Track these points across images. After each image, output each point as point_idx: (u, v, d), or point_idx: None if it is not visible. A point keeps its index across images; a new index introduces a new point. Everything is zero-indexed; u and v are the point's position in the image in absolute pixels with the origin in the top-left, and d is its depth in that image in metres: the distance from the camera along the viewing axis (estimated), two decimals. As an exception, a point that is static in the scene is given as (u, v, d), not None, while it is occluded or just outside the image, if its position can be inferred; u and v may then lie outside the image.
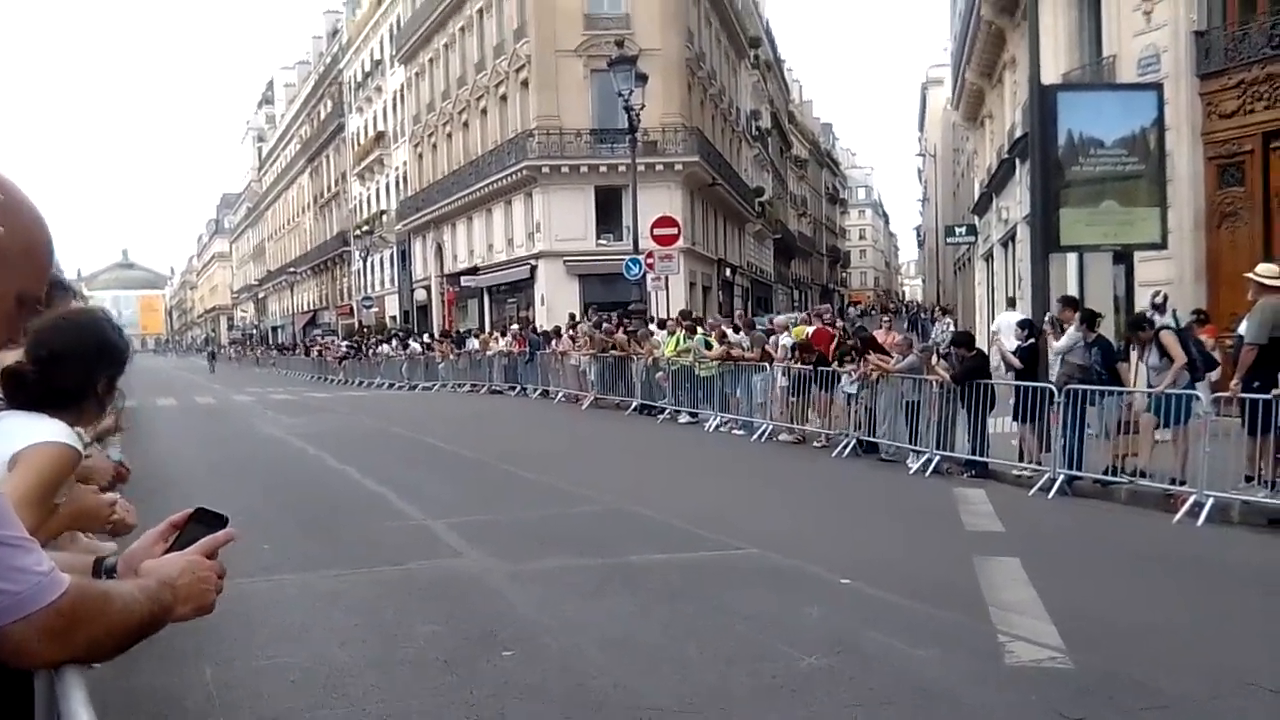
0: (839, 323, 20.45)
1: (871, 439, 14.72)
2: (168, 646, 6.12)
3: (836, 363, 15.77)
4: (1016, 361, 13.40)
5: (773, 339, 18.53)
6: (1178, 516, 9.99)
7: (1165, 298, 15.69)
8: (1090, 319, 12.70)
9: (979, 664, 5.89)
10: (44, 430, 2.49)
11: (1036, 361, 13.04)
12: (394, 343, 41.29)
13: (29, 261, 1.65)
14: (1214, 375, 12.38)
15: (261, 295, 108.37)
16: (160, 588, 1.77)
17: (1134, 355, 12.14)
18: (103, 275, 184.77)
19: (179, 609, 1.80)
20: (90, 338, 2.65)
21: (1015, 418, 12.63)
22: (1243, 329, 10.76)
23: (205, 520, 1.93)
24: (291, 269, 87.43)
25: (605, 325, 25.56)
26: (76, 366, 2.59)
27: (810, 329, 18.31)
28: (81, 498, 2.81)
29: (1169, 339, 11.36)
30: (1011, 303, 25.33)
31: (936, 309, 42.50)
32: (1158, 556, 8.95)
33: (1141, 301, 17.21)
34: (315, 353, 51.45)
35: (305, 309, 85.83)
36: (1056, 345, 12.71)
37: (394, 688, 5.61)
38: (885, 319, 23.60)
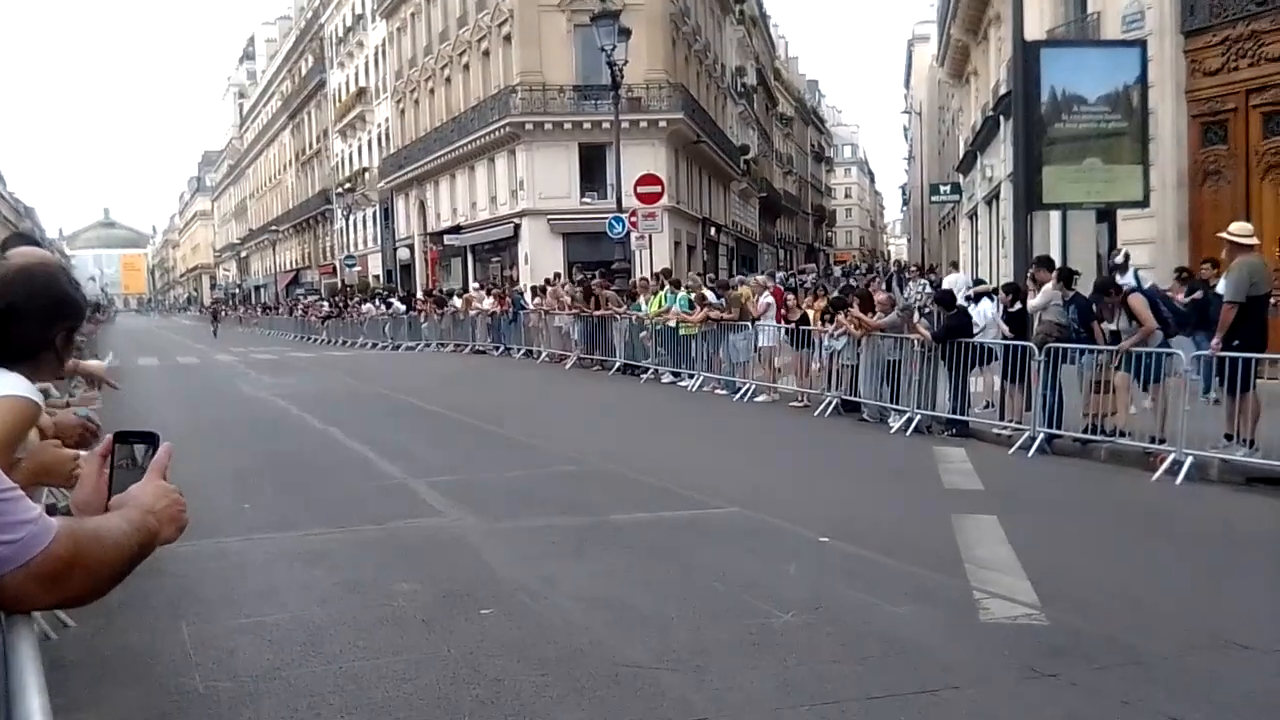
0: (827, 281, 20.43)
1: (852, 398, 14.74)
2: (145, 605, 6.13)
3: (820, 321, 15.77)
4: (1006, 329, 13.31)
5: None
6: (1156, 475, 10.05)
7: (1126, 256, 15.36)
8: (1067, 277, 12.70)
9: (954, 620, 5.93)
10: (1, 384, 2.46)
11: (1025, 324, 12.99)
12: (376, 302, 41.14)
13: None
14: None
15: (244, 254, 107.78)
16: (143, 515, 1.81)
17: (1101, 323, 12.04)
18: (84, 234, 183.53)
19: (164, 531, 1.85)
20: (46, 290, 2.60)
21: (1004, 377, 12.62)
22: (1220, 288, 10.76)
23: (132, 441, 1.95)
24: (274, 227, 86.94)
25: (595, 281, 25.37)
26: (33, 319, 2.53)
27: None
28: (43, 451, 2.78)
29: (1137, 303, 11.29)
30: (955, 264, 25.43)
31: (912, 268, 42.12)
32: (1135, 515, 9.01)
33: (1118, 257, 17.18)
34: (298, 312, 51.24)
35: (288, 268, 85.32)
36: (1031, 304, 12.71)
37: (372, 646, 5.62)
38: (870, 277, 23.60)
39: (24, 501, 1.57)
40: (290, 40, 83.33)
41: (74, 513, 1.92)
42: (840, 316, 14.96)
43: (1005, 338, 13.03)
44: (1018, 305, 13.29)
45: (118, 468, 1.92)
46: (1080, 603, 6.20)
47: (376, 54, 60.49)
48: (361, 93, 63.31)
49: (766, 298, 18.39)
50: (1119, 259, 15.08)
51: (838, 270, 59.09)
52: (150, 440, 1.96)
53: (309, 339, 44.21)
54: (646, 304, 21.67)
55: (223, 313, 66.40)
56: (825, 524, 8.09)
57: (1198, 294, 13.71)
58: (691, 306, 19.45)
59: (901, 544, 7.53)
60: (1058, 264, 14.42)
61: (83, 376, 6.26)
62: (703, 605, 6.20)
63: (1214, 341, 10.53)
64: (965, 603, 6.20)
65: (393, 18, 55.73)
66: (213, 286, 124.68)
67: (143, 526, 1.79)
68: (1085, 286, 13.41)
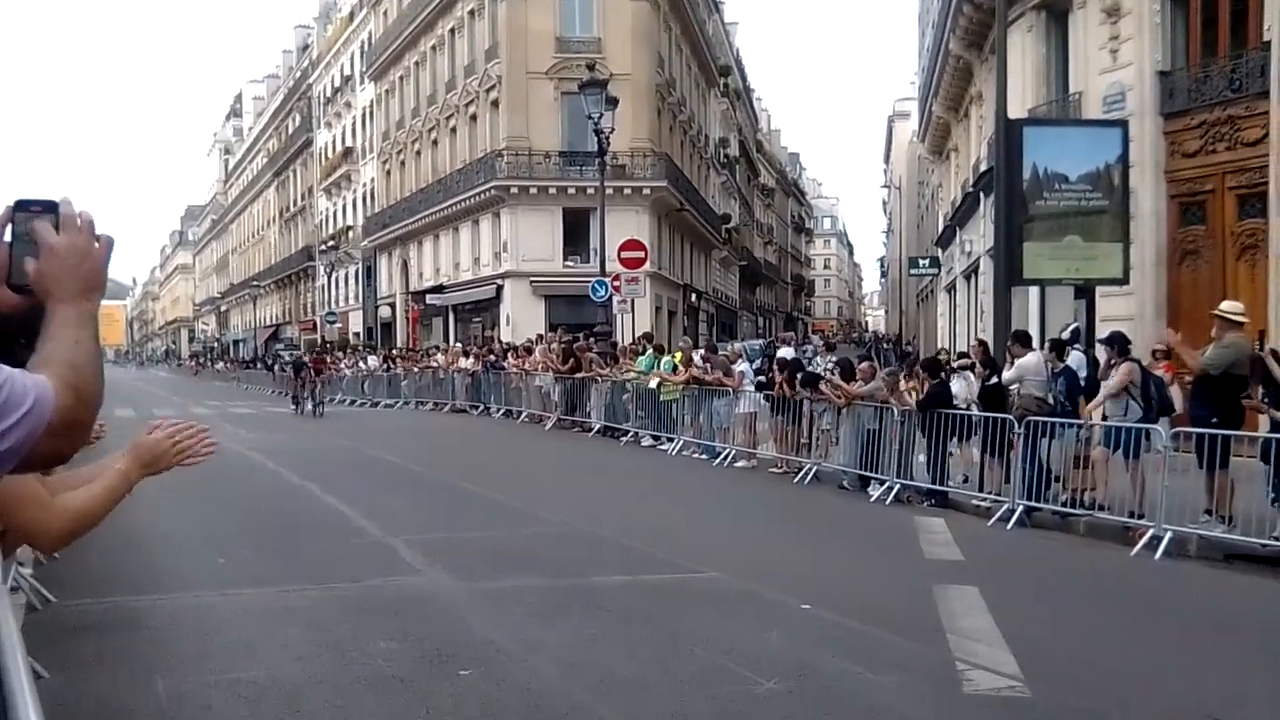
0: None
1: (834, 466, 14.73)
2: (120, 659, 6.04)
3: (798, 389, 15.78)
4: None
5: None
6: (1135, 549, 10.06)
7: (1076, 332, 15.09)
8: (1059, 348, 12.74)
9: (937, 691, 5.89)
10: None
11: (1002, 399, 12.95)
12: (355, 358, 41.04)
13: None
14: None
15: (224, 308, 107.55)
16: (76, 307, 1.72)
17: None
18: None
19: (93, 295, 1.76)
20: None
21: (984, 449, 12.64)
22: (1205, 359, 10.77)
23: (33, 209, 1.75)
24: (255, 283, 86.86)
25: (579, 344, 25.32)
26: None
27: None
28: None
29: (1124, 370, 11.40)
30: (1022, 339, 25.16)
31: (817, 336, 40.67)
32: (1115, 589, 9.01)
33: (1104, 334, 17.25)
34: (276, 368, 50.95)
35: (268, 323, 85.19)
36: (1005, 376, 12.74)
37: (348, 705, 5.54)
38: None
39: (18, 373, 1.57)
40: (278, 99, 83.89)
41: None
42: (822, 385, 15.01)
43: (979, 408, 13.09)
44: (994, 380, 13.30)
45: (19, 239, 1.73)
46: (1063, 676, 6.18)
47: (364, 115, 60.93)
48: (348, 152, 63.66)
49: (741, 365, 18.42)
50: (1067, 334, 14.70)
51: (816, 339, 59.32)
52: (52, 209, 1.74)
53: (287, 394, 43.90)
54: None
55: (323, 371, 34.84)
56: (807, 591, 8.05)
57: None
58: (675, 369, 19.49)
59: (883, 613, 7.49)
60: (1035, 338, 14.47)
61: None
62: (684, 671, 6.14)
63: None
64: (948, 673, 6.16)
65: (381, 80, 56.22)
66: (191, 340, 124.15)
67: (82, 313, 1.71)
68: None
